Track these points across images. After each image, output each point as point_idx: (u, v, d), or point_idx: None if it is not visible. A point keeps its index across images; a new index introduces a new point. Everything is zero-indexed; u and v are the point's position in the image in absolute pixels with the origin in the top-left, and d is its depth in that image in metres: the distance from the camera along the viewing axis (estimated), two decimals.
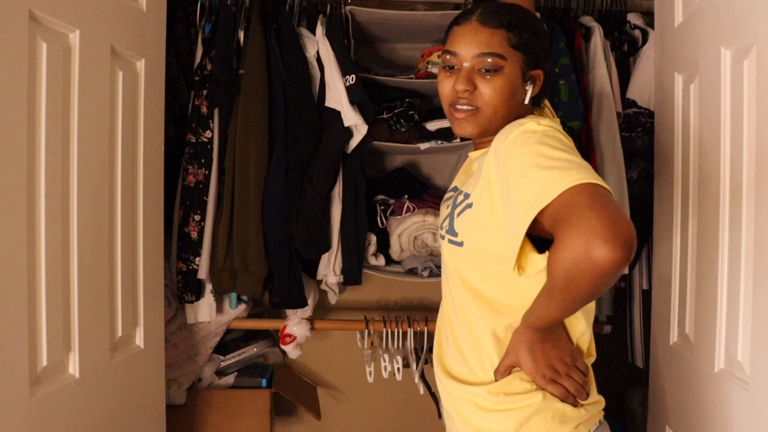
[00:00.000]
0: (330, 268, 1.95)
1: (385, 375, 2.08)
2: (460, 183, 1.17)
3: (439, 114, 2.10)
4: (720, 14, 1.30)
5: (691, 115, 1.47)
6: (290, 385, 2.25)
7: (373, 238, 2.08)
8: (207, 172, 1.85)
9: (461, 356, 1.10)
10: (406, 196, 2.13)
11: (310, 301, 2.03)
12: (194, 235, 1.85)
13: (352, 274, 1.96)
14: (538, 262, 0.94)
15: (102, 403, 1.34)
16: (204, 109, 1.85)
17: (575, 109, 1.87)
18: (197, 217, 1.85)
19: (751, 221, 1.17)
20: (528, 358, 1.01)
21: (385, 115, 2.05)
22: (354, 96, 1.84)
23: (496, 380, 1.04)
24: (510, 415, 1.02)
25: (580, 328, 1.07)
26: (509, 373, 1.04)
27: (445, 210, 1.16)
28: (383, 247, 2.12)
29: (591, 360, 1.10)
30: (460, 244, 1.06)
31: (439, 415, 1.88)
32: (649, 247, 2.01)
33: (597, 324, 2.01)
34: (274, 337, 2.30)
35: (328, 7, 1.97)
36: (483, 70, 1.05)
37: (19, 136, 1.06)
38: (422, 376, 2.07)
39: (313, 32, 1.92)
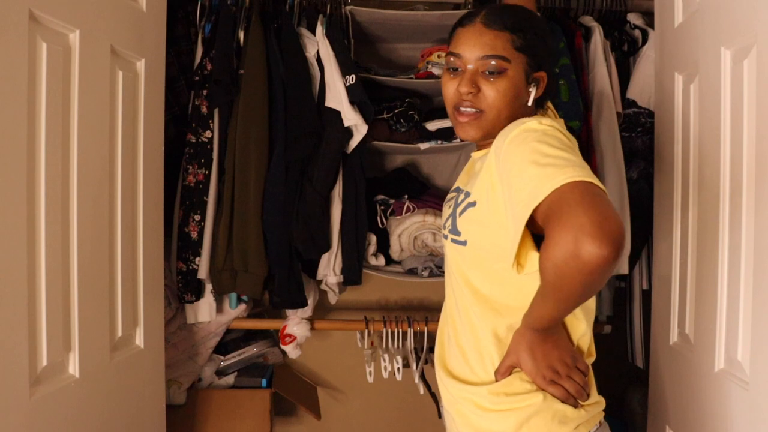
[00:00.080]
0: (330, 268, 1.95)
1: (385, 375, 2.08)
2: (462, 183, 1.17)
3: (439, 114, 2.10)
4: (720, 14, 1.30)
5: (691, 115, 1.47)
6: (290, 385, 2.25)
7: (373, 238, 2.08)
8: (207, 172, 1.85)
9: (463, 356, 1.11)
10: (406, 196, 2.13)
11: (310, 301, 2.03)
12: (194, 235, 1.85)
13: (352, 274, 1.96)
14: (537, 259, 0.94)
15: (102, 403, 1.34)
16: (204, 109, 1.85)
17: (575, 109, 1.87)
18: (197, 217, 1.85)
19: (751, 221, 1.17)
20: (528, 359, 1.01)
21: (385, 115, 2.06)
22: (354, 96, 1.84)
23: (496, 381, 1.05)
24: (510, 416, 1.02)
25: (581, 329, 1.07)
26: (510, 374, 1.04)
27: (447, 210, 1.16)
28: (383, 247, 2.12)
29: (591, 360, 1.10)
30: (464, 243, 1.06)
31: (439, 415, 1.88)
32: (649, 247, 2.01)
33: (597, 324, 2.01)
34: (274, 337, 2.30)
35: (328, 7, 1.97)
36: (486, 73, 1.05)
37: (19, 136, 1.06)
38: (422, 376, 2.07)
39: (313, 32, 1.92)
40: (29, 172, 1.09)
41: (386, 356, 2.07)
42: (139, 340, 1.51)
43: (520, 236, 0.91)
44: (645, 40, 2.00)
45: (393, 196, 2.17)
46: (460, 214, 1.07)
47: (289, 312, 2.07)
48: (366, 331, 2.07)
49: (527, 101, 1.08)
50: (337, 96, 1.85)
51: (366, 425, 2.49)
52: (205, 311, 1.93)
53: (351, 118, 1.83)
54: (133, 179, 1.47)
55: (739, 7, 1.22)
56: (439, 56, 2.03)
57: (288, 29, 1.90)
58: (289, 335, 2.04)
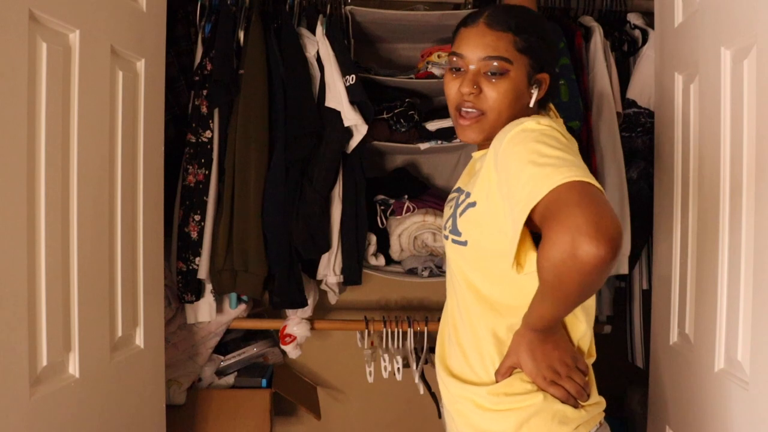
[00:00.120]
0: (330, 268, 1.95)
1: (385, 375, 2.08)
2: (463, 183, 1.17)
3: (439, 114, 2.10)
4: (720, 14, 1.30)
5: (691, 115, 1.47)
6: (290, 385, 2.25)
7: (373, 238, 2.08)
8: (207, 172, 1.86)
9: (463, 356, 1.11)
10: (406, 196, 2.13)
11: (310, 301, 2.03)
12: (194, 235, 1.85)
13: (352, 274, 1.96)
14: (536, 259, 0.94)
15: (102, 403, 1.34)
16: (204, 109, 1.85)
17: (575, 109, 1.87)
18: (197, 217, 1.85)
19: (751, 221, 1.17)
20: (529, 360, 1.01)
21: (385, 115, 2.06)
22: (354, 96, 1.84)
23: (497, 381, 1.05)
24: (510, 416, 1.02)
25: (581, 329, 1.07)
26: (510, 374, 1.04)
27: (448, 210, 1.17)
28: (383, 247, 2.12)
29: (591, 360, 1.10)
30: (464, 243, 1.06)
31: (439, 415, 1.88)
32: (649, 247, 2.01)
33: (597, 324, 2.01)
34: (274, 337, 2.30)
35: (328, 7, 1.97)
36: (489, 74, 1.05)
37: (19, 136, 1.06)
38: (422, 376, 2.07)
39: (313, 32, 1.92)
40: (29, 173, 1.09)
41: (386, 356, 2.07)
42: (139, 340, 1.51)
43: (519, 236, 0.91)
44: (645, 40, 2.00)
45: (393, 196, 2.17)
46: (461, 214, 1.07)
47: (289, 312, 2.07)
48: (366, 331, 2.07)
49: (529, 103, 1.08)
50: (337, 96, 1.85)
51: (366, 425, 2.49)
52: (205, 311, 1.93)
53: (351, 118, 1.83)
54: (133, 179, 1.47)
55: (739, 7, 1.22)
56: (439, 56, 2.03)
57: (288, 29, 1.90)
58: (289, 335, 2.04)
